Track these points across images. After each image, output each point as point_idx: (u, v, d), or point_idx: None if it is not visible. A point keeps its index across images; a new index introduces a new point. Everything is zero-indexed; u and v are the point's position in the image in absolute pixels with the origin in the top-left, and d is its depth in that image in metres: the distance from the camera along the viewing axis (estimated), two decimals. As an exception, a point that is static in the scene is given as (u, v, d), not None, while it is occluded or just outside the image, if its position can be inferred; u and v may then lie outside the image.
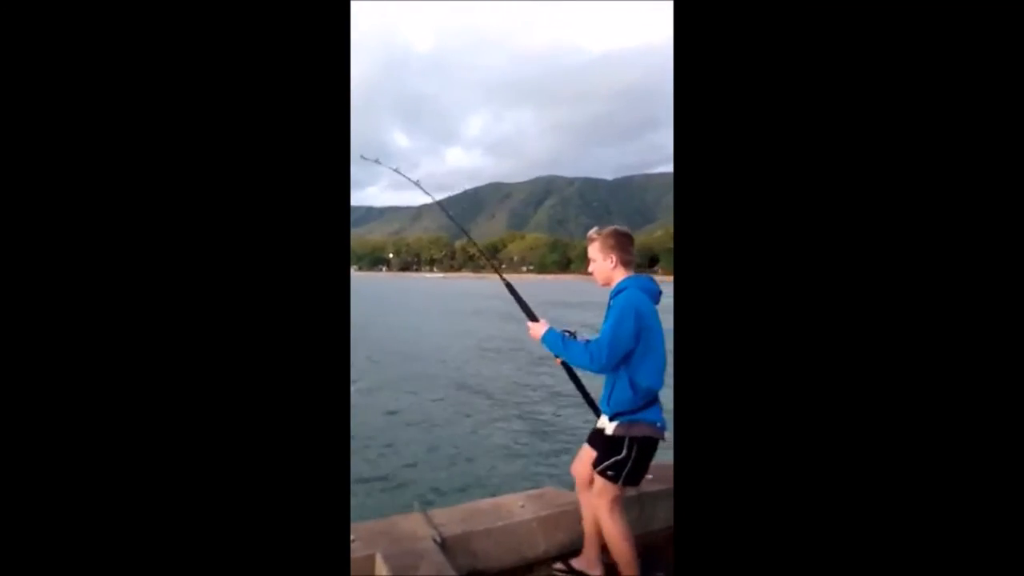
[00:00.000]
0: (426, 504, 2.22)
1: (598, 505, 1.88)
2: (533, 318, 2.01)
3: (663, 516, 2.29)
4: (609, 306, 1.89)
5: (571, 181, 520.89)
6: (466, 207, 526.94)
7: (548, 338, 1.91)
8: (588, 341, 1.84)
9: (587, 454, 1.96)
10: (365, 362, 10.65)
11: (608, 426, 1.85)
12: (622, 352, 1.78)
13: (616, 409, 1.83)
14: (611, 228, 1.95)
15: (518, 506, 2.19)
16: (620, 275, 1.92)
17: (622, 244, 1.93)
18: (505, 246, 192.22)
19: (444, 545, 1.89)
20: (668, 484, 2.30)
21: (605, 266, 1.92)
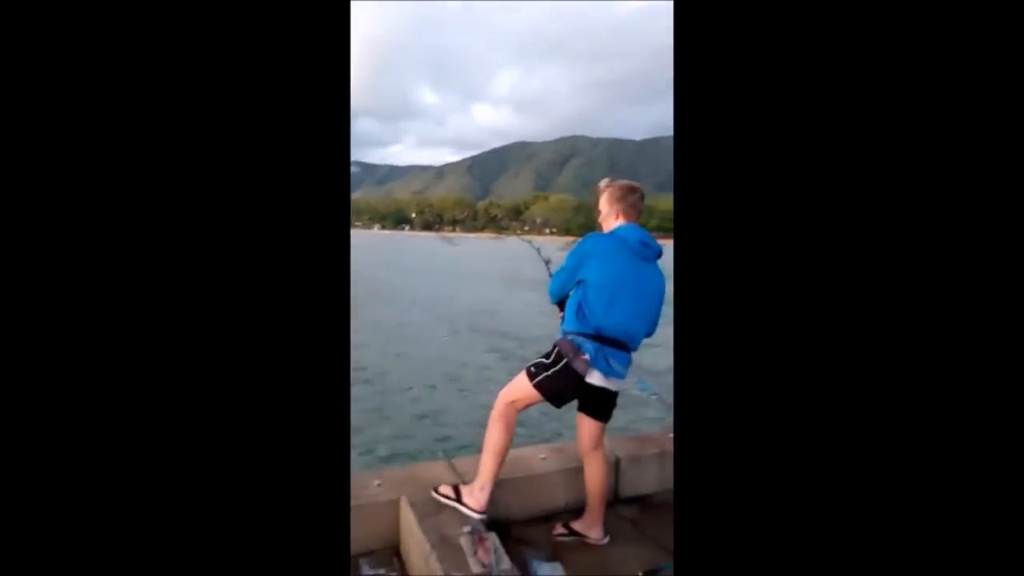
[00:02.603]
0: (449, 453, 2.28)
1: (498, 401, 1.87)
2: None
3: (653, 478, 2.33)
4: None
5: (597, 142, 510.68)
6: (491, 166, 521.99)
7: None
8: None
9: (585, 418, 1.96)
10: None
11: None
12: (559, 284, 1.90)
13: (564, 327, 1.87)
14: (622, 181, 1.96)
15: (539, 458, 2.20)
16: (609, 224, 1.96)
17: (628, 198, 1.94)
18: (528, 208, 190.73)
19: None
20: (660, 448, 2.36)
21: (608, 218, 1.95)
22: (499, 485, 1.95)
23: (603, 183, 1.99)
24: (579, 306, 1.82)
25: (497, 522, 1.93)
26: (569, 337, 1.81)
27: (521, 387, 1.85)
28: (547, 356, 1.83)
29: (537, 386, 1.81)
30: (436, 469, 2.09)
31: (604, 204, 1.96)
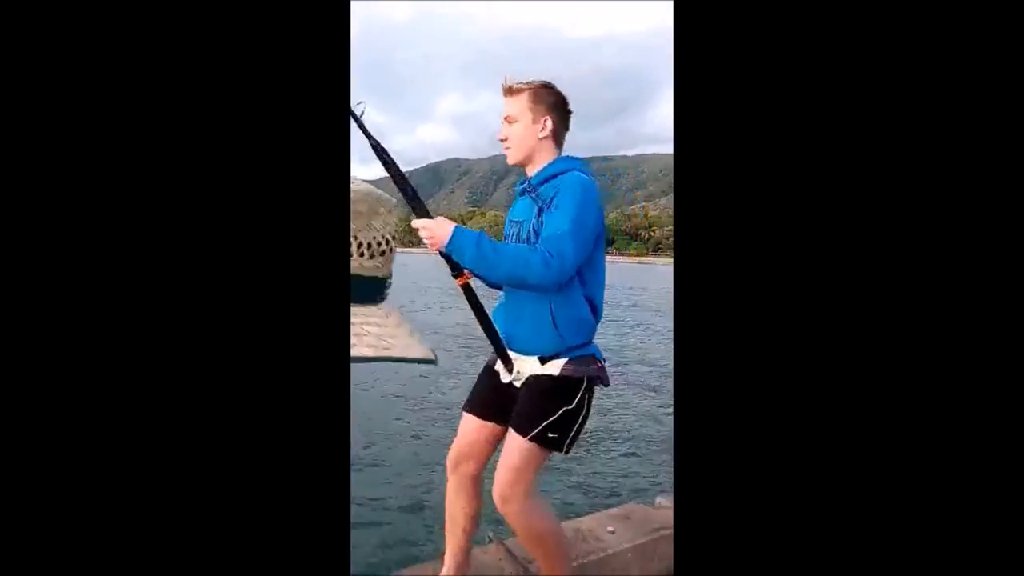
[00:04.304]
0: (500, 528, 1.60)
1: (512, 493, 1.27)
2: (424, 212, 1.22)
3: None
4: (536, 193, 1.32)
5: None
6: (426, 182, 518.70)
7: (460, 242, 1.19)
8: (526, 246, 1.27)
9: (478, 431, 1.40)
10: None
11: (554, 365, 1.30)
12: (584, 256, 1.26)
13: (572, 341, 1.30)
14: (544, 80, 1.33)
15: (607, 531, 1.84)
16: (551, 152, 1.34)
17: (561, 108, 1.34)
18: (466, 223, 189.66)
19: None
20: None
21: (532, 131, 1.31)
22: (573, 572, 1.59)
23: (514, 80, 1.32)
24: (587, 298, 1.32)
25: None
26: (582, 354, 1.31)
27: (533, 462, 1.29)
28: (566, 398, 1.28)
29: (566, 449, 1.31)
30: (490, 557, 1.66)
31: (533, 111, 1.31)
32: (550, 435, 1.27)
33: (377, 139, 1.13)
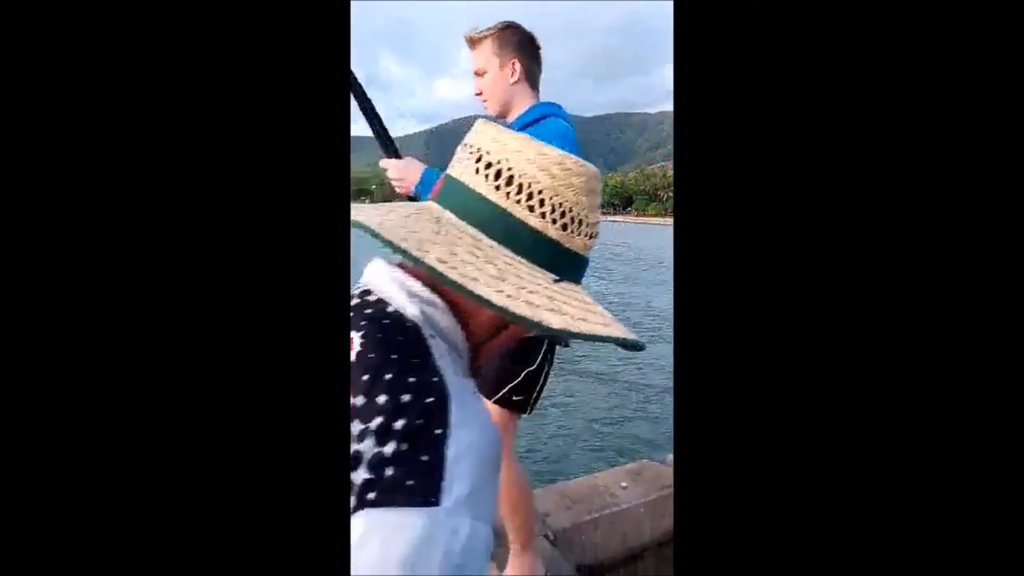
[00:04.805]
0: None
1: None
2: (395, 153, 1.25)
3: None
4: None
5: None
6: (446, 139, 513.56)
7: (431, 184, 1.11)
8: None
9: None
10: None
11: None
12: None
13: None
14: (505, 21, 1.27)
15: (620, 487, 1.91)
16: (527, 97, 1.29)
17: (529, 47, 1.28)
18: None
19: (556, 541, 1.64)
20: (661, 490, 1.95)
21: (502, 78, 1.25)
22: (588, 526, 1.68)
23: (474, 30, 1.28)
24: None
25: (586, 569, 1.63)
26: None
27: (499, 425, 1.27)
28: (526, 359, 1.28)
29: (529, 410, 1.33)
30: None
31: (500, 56, 1.25)
32: (515, 398, 1.28)
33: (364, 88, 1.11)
